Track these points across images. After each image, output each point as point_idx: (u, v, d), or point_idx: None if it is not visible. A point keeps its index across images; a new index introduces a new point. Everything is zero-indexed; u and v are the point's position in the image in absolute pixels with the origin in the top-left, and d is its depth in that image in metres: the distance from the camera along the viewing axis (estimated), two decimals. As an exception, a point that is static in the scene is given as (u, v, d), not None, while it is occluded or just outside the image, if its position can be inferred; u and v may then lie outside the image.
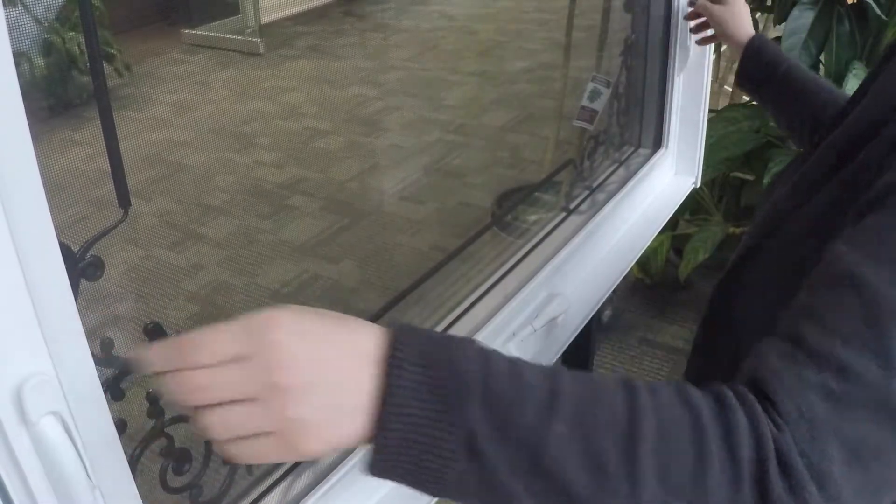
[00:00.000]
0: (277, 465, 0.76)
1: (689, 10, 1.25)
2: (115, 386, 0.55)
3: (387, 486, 0.83)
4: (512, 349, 0.98)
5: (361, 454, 0.47)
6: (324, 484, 0.75)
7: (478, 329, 0.96)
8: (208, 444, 0.65)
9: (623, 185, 1.30)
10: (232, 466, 0.70)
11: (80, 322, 0.47)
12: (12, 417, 0.44)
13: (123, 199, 0.54)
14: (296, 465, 0.76)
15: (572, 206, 1.25)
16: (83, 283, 0.51)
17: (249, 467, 0.71)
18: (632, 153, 1.43)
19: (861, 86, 0.76)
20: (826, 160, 0.68)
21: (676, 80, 1.35)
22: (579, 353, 1.36)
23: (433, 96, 3.93)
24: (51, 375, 0.45)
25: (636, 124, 1.42)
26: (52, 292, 0.44)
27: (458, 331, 0.98)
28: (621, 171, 1.37)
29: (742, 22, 1.17)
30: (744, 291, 0.75)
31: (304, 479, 0.76)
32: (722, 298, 0.79)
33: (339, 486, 0.76)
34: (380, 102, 3.78)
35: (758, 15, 2.74)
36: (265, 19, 3.75)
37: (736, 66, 1.12)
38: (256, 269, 2.75)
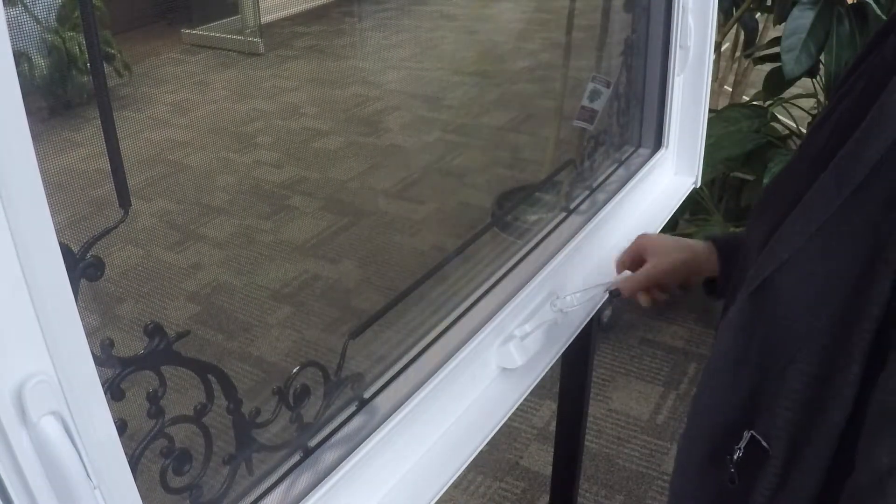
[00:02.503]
0: (278, 465, 0.76)
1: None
2: (115, 386, 0.55)
3: (387, 486, 0.83)
4: (512, 349, 0.98)
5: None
6: (324, 484, 0.75)
7: (478, 329, 0.96)
8: (209, 443, 0.66)
9: (623, 185, 1.31)
10: (232, 467, 0.70)
11: (80, 322, 0.47)
12: (12, 418, 0.44)
13: (124, 199, 0.54)
14: (296, 465, 0.77)
15: (572, 206, 1.25)
16: (83, 283, 0.51)
17: (250, 467, 0.71)
18: (632, 153, 1.43)
19: (848, 73, 0.72)
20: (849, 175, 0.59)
21: (676, 80, 1.35)
22: (579, 353, 1.36)
23: (433, 96, 3.93)
24: (51, 375, 0.45)
25: (636, 124, 1.42)
26: (52, 292, 0.44)
27: (459, 331, 0.98)
28: (621, 171, 1.37)
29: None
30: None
31: (304, 480, 0.76)
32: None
33: (339, 487, 0.76)
34: (380, 102, 3.79)
35: (758, 15, 2.75)
36: (265, 19, 3.75)
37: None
38: (256, 269, 2.75)
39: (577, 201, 1.26)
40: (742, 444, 0.66)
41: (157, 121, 3.13)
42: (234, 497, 0.71)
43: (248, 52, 3.61)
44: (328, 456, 0.78)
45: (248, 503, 0.72)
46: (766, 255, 0.63)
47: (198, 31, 3.39)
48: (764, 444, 0.64)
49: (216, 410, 0.65)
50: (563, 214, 1.23)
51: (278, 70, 3.87)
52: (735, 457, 0.66)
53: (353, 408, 0.82)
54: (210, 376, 0.64)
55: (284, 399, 0.73)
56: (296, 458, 0.76)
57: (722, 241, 0.95)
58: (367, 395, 0.84)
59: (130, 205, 0.55)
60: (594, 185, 1.30)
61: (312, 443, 0.78)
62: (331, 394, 0.79)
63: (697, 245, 0.96)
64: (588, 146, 1.31)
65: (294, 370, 0.74)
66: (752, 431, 0.65)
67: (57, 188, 0.49)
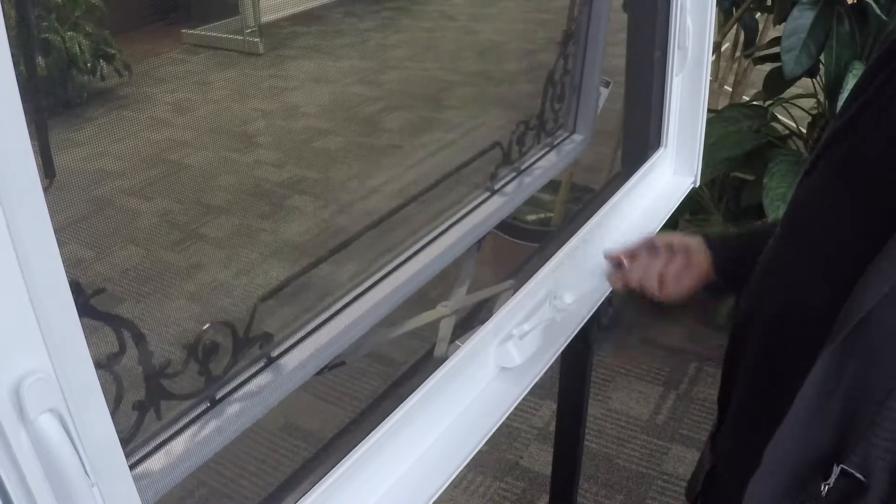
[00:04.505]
0: (185, 413, 0.79)
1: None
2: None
3: (386, 485, 0.83)
4: (511, 349, 0.98)
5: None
6: (322, 483, 0.75)
7: (477, 328, 0.96)
8: (119, 389, 0.68)
9: (622, 184, 1.30)
10: (141, 412, 0.72)
11: (78, 319, 0.47)
12: (11, 415, 0.44)
13: (49, 170, 0.55)
14: (203, 413, 0.80)
15: (497, 187, 1.27)
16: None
17: (158, 412, 0.74)
18: (565, 138, 1.43)
19: (856, 87, 0.72)
20: None
21: (675, 79, 1.35)
22: (579, 353, 1.36)
23: (433, 96, 3.93)
24: (49, 373, 0.45)
25: (571, 111, 1.43)
26: (50, 290, 0.44)
27: (457, 329, 0.98)
28: (563, 162, 1.38)
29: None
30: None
31: (210, 426, 0.78)
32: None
33: (337, 485, 0.76)
34: (380, 102, 3.78)
35: (758, 15, 2.74)
36: (265, 19, 3.75)
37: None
38: (256, 268, 2.75)
39: (502, 183, 1.28)
40: (832, 477, 0.64)
41: (157, 120, 3.13)
42: (144, 439, 0.74)
43: (248, 52, 3.60)
44: (233, 408, 0.82)
45: (156, 444, 0.75)
46: (860, 291, 0.62)
47: (198, 32, 3.39)
48: (859, 476, 0.63)
49: (129, 361, 0.68)
50: (488, 194, 1.24)
51: (278, 70, 3.87)
52: (824, 490, 0.65)
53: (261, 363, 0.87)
54: (124, 331, 0.67)
55: (195, 355, 0.78)
56: (203, 406, 0.81)
57: (715, 241, 0.99)
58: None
59: (55, 175, 0.55)
60: (521, 167, 1.31)
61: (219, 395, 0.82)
62: (238, 353, 0.84)
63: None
64: (516, 132, 1.31)
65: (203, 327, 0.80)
66: (842, 465, 0.64)
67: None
